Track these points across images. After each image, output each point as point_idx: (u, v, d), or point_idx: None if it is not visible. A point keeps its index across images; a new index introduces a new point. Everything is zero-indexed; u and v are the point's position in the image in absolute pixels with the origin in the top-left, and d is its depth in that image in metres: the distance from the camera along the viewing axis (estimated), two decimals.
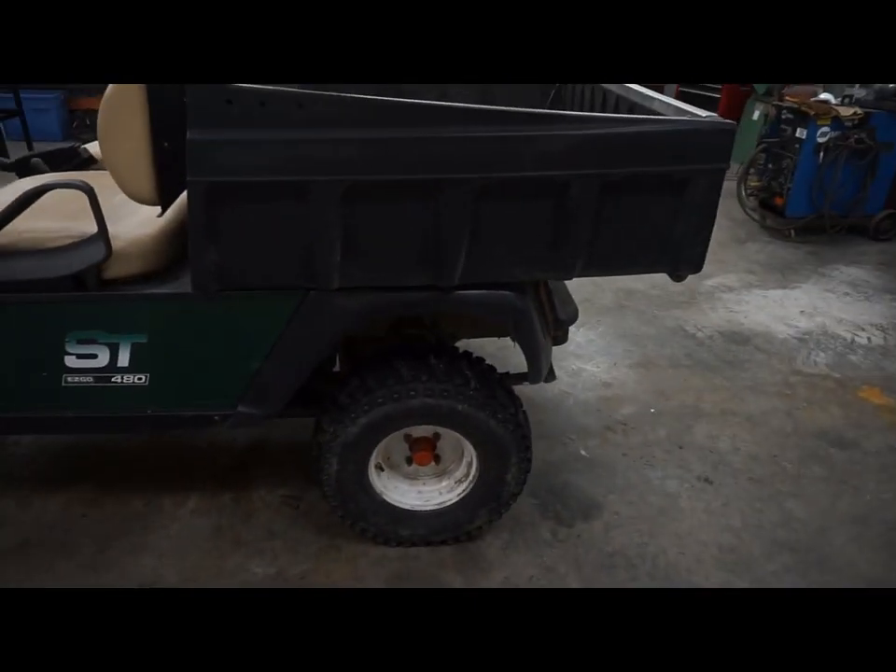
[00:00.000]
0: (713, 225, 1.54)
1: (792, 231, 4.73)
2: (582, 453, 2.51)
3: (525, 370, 1.82)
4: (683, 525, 2.17)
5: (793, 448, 2.56)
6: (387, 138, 1.37)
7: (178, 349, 1.69)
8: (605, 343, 3.31)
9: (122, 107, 1.44)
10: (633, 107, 1.80)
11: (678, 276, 1.65)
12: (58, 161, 2.14)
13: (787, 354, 3.26)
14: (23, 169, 2.13)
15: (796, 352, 3.28)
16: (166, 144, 1.51)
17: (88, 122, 7.00)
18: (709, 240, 1.56)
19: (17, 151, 2.37)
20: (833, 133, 4.37)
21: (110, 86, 1.44)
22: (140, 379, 1.71)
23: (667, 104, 1.62)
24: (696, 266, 1.60)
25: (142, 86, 1.42)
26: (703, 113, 1.48)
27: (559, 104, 2.34)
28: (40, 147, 2.32)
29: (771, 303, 3.81)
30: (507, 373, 2.07)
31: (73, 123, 7.10)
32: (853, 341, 3.40)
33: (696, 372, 3.07)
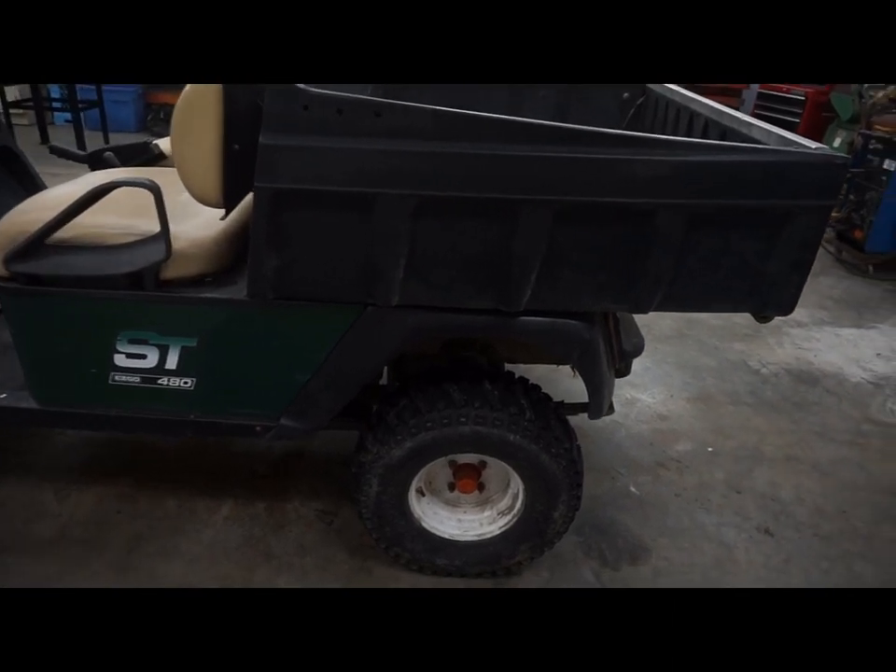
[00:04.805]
0: (811, 266, 1.40)
1: (871, 267, 4.46)
2: (632, 489, 2.37)
3: (581, 399, 1.70)
4: (739, 580, 2.01)
5: (865, 505, 2.36)
6: (464, 153, 1.28)
7: (227, 356, 1.64)
8: (662, 372, 3.15)
9: (197, 108, 1.39)
10: (725, 133, 1.67)
11: (763, 318, 1.52)
12: (129, 155, 2.13)
13: (860, 399, 3.04)
14: (96, 162, 2.13)
15: (871, 398, 3.06)
16: (236, 146, 1.46)
17: (162, 116, 7.13)
18: (805, 282, 1.42)
19: (94, 141, 2.39)
20: None
21: (187, 86, 1.39)
22: (186, 383, 1.67)
23: (768, 131, 1.48)
24: (787, 309, 1.46)
25: (218, 87, 1.37)
26: (812, 144, 1.35)
27: (638, 124, 2.21)
28: (116, 137, 2.34)
29: (844, 343, 3.58)
30: (562, 403, 1.96)
31: (148, 116, 7.24)
32: None
33: (759, 412, 2.89)
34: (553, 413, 1.74)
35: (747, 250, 1.39)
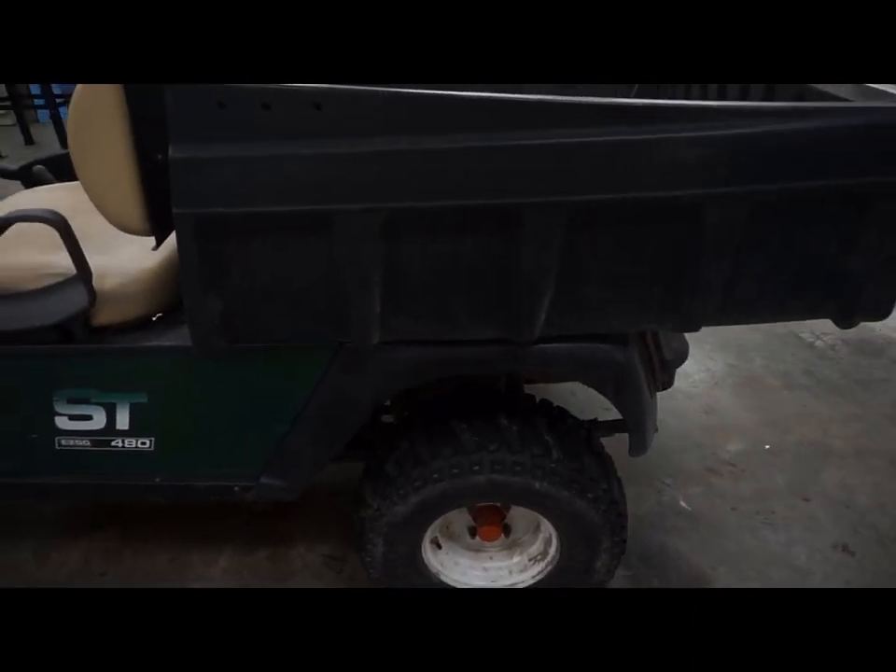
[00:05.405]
0: None
1: None
2: (682, 504, 2.07)
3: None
4: None
5: None
6: (442, 150, 0.97)
7: (185, 411, 1.37)
8: (702, 354, 2.82)
9: (96, 111, 1.10)
10: (773, 88, 1.33)
11: (848, 324, 1.19)
12: (64, 168, 1.84)
13: None
14: (29, 177, 1.85)
15: None
16: (160, 156, 1.16)
17: None
18: None
19: None
20: None
21: (79, 86, 1.10)
22: (144, 444, 1.41)
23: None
24: (880, 313, 1.13)
25: (118, 85, 1.07)
26: None
27: (653, 91, 1.83)
28: None
29: None
30: (595, 422, 1.65)
31: None
32: None
33: (819, 396, 2.55)
34: (585, 447, 1.44)
35: (825, 244, 1.06)
